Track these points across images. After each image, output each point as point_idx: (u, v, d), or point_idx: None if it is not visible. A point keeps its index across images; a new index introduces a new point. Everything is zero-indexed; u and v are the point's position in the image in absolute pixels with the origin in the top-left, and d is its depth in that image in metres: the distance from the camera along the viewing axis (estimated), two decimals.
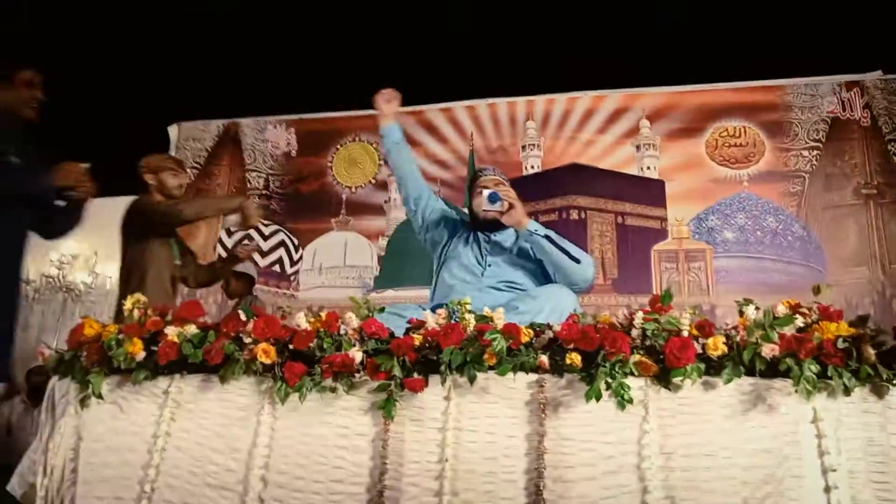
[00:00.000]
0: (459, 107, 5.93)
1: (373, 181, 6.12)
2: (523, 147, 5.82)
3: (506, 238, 2.64)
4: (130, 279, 3.05)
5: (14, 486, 1.83)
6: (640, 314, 1.68)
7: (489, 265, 2.59)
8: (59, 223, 2.72)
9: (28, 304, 5.92)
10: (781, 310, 1.67)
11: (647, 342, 1.66)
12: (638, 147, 5.67)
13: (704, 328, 1.64)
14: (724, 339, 1.61)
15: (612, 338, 1.62)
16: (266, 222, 5.97)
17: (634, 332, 1.67)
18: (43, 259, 5.99)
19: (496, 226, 2.61)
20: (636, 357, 1.63)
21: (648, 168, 5.62)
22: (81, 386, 1.78)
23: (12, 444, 4.68)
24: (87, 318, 1.88)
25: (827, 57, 5.41)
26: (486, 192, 2.47)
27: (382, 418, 1.67)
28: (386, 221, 6.03)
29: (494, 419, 1.66)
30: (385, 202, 6.08)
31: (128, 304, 1.88)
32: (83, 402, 1.77)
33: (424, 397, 1.69)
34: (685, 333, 1.63)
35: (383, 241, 5.99)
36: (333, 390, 1.72)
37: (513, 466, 1.60)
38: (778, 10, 5.48)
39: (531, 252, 2.55)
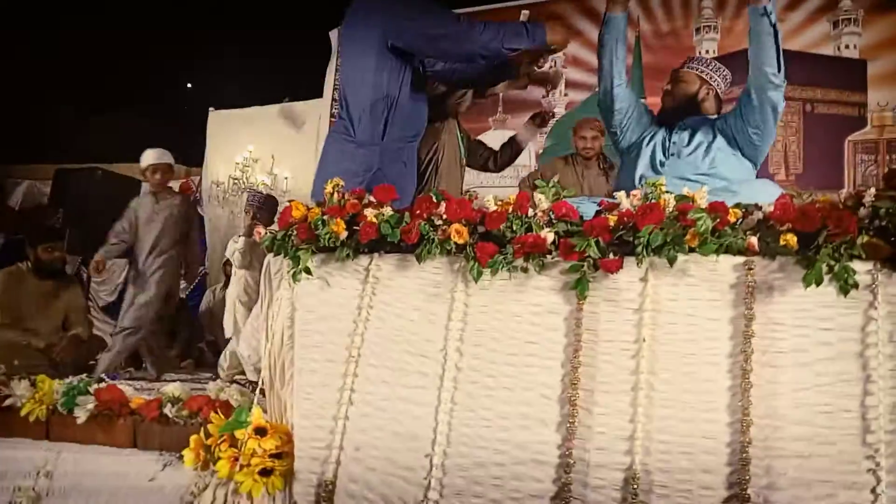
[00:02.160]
0: None
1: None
2: (697, 30, 5.31)
3: (688, 135, 2.49)
4: (426, 172, 3.28)
5: (241, 348, 2.08)
6: (871, 191, 1.50)
7: (671, 155, 2.48)
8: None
9: (220, 204, 6.55)
10: None
11: (878, 223, 1.49)
12: (835, 23, 4.96)
13: None
14: None
15: (836, 217, 1.48)
16: None
17: (863, 212, 1.51)
18: (229, 162, 6.54)
19: (688, 111, 2.47)
20: (864, 239, 1.48)
21: (847, 47, 4.92)
22: (293, 262, 1.94)
23: (215, 325, 5.35)
24: (295, 201, 2.02)
25: None
26: None
27: (576, 298, 1.67)
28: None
29: (695, 301, 1.60)
30: (543, 97, 5.89)
31: (328, 187, 1.99)
32: (295, 277, 1.93)
33: (619, 278, 1.66)
34: None
35: (541, 139, 5.86)
36: (525, 270, 1.74)
37: (715, 349, 1.55)
38: None
39: (729, 125, 2.41)
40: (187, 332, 5.13)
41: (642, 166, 2.54)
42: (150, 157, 4.17)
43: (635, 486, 1.46)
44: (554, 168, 3.89)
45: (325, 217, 1.92)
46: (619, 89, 2.59)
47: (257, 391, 1.91)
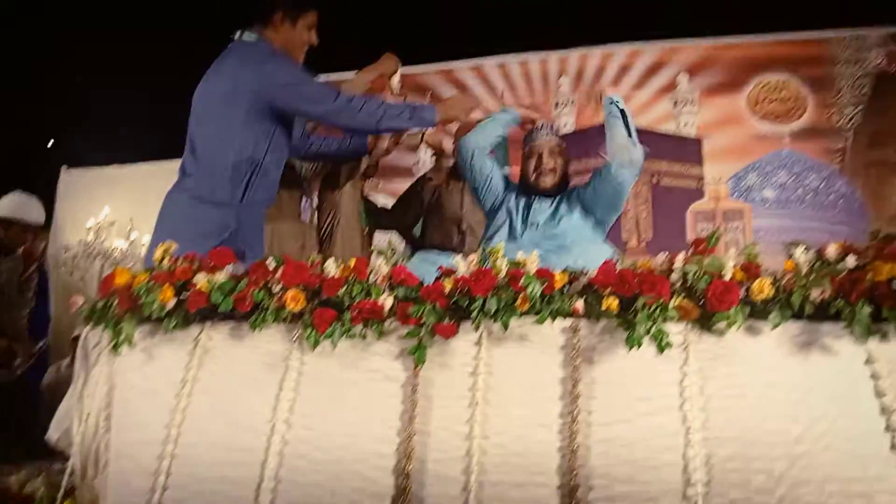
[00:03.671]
0: (490, 64, 5.78)
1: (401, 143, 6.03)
2: (556, 105, 5.68)
3: (548, 206, 2.61)
4: (323, 239, 3.14)
5: (51, 434, 1.86)
6: (680, 256, 1.61)
7: (530, 225, 2.58)
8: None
9: (67, 271, 6.04)
10: (832, 251, 1.58)
11: (688, 286, 1.59)
12: (675, 103, 5.49)
13: (750, 270, 1.56)
14: (770, 282, 1.53)
15: (650, 282, 1.56)
16: None
17: (674, 276, 1.61)
18: (80, 226, 6.09)
19: (547, 191, 2.60)
20: (676, 301, 1.57)
21: (686, 125, 5.43)
22: (114, 334, 1.78)
23: (57, 405, 4.81)
24: (119, 266, 1.87)
25: (873, 8, 5.14)
26: None
27: (413, 364, 1.64)
28: None
29: (526, 365, 1.62)
30: (414, 164, 6.01)
31: (157, 253, 1.87)
32: (115, 350, 1.77)
33: (455, 343, 1.66)
34: (729, 276, 1.56)
35: None
36: (364, 337, 1.70)
37: (546, 410, 1.56)
38: None
39: (583, 197, 2.56)
40: (21, 415, 4.58)
41: (503, 233, 2.62)
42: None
43: None
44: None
45: (151, 284, 1.79)
46: (477, 159, 2.69)
47: (65, 480, 1.70)
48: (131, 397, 1.72)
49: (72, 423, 1.78)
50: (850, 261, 1.57)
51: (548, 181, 2.61)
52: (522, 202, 2.67)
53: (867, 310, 1.48)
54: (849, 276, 1.52)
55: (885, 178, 5.13)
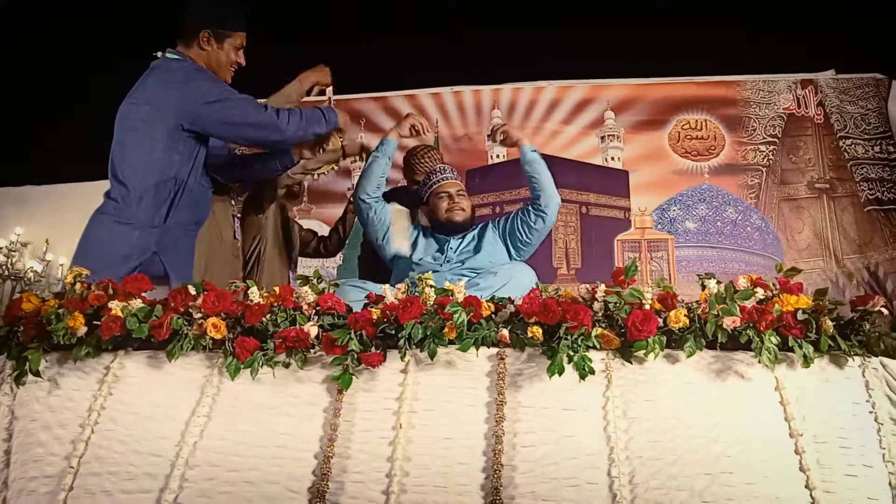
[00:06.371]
0: (425, 94, 5.87)
1: (336, 168, 6.00)
2: (489, 135, 5.79)
3: (462, 242, 2.65)
4: (249, 264, 3.03)
5: None
6: (602, 287, 1.65)
7: (448, 260, 2.62)
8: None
9: None
10: (742, 283, 1.66)
11: (609, 315, 1.64)
12: (602, 138, 5.70)
13: (666, 301, 1.62)
14: (685, 312, 1.59)
15: (573, 311, 1.59)
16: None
17: (596, 306, 1.65)
18: None
19: (457, 228, 2.65)
20: (598, 330, 1.61)
21: (612, 159, 5.65)
22: (17, 363, 1.67)
23: None
24: (27, 292, 1.77)
25: (783, 56, 5.51)
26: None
27: (336, 389, 1.62)
28: None
29: (453, 389, 1.62)
30: (348, 189, 5.99)
31: (68, 277, 1.78)
32: (18, 381, 1.67)
33: (381, 371, 1.64)
34: (647, 306, 1.61)
35: None
36: (287, 366, 1.66)
37: (470, 433, 1.56)
38: (737, 9, 5.56)
39: (500, 224, 2.69)
40: None
41: (408, 265, 2.63)
42: None
43: None
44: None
45: (61, 311, 1.70)
46: (372, 202, 2.69)
47: None
48: (34, 429, 1.62)
49: None
50: (760, 293, 1.65)
51: (460, 217, 2.70)
52: (433, 242, 2.71)
53: (775, 339, 1.56)
54: (757, 307, 1.60)
55: (796, 214, 5.45)
